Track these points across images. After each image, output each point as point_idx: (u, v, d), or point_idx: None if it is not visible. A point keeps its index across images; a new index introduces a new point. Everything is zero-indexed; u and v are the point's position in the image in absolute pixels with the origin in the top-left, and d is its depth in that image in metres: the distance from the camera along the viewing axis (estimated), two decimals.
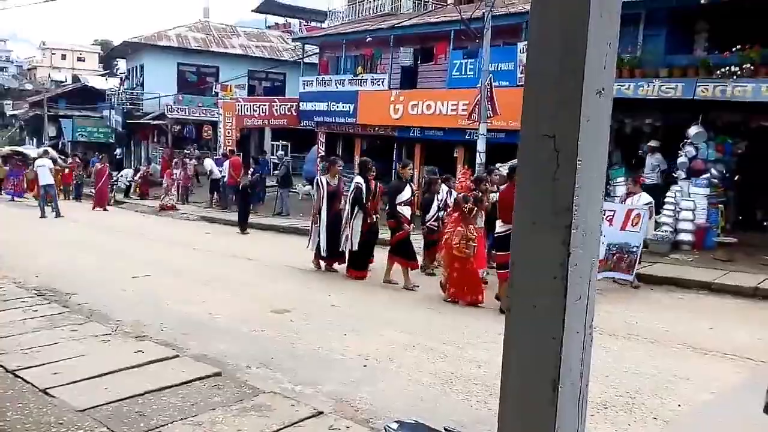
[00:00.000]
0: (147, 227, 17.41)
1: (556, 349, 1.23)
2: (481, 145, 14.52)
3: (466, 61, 17.74)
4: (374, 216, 10.09)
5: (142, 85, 32.56)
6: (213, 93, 29.17)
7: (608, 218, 9.11)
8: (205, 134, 28.22)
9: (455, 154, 18.08)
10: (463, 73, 17.76)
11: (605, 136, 1.31)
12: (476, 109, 14.77)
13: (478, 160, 14.47)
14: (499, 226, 8.00)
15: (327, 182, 10.54)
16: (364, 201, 9.85)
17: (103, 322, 6.98)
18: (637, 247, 9.34)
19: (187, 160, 24.82)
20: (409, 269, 9.53)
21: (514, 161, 7.66)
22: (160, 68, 30.84)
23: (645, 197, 10.16)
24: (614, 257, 9.28)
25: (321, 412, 4.53)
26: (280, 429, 4.21)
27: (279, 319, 7.45)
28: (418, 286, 9.33)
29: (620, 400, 5.11)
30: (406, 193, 9.81)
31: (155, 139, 32.88)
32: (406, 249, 9.61)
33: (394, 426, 2.52)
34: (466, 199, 8.76)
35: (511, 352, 1.31)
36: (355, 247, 9.89)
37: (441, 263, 9.22)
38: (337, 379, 5.44)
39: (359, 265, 10.05)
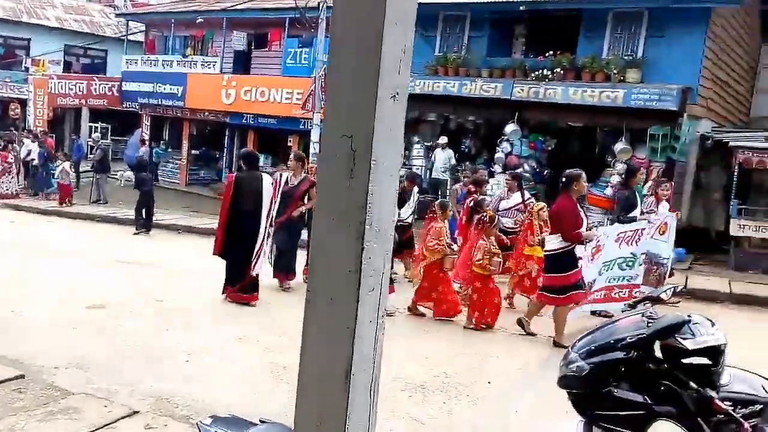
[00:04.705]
0: None
1: (349, 339, 1.29)
2: (315, 135, 14.59)
3: (301, 49, 17.69)
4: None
5: None
6: (23, 68, 26.46)
7: (633, 240, 7.48)
8: (12, 113, 25.42)
9: (289, 143, 18.02)
10: (297, 61, 17.70)
11: (399, 138, 1.40)
12: (310, 99, 14.83)
13: (311, 150, 14.53)
14: (553, 243, 6.74)
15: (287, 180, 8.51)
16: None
17: None
18: (667, 258, 8.57)
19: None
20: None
21: (570, 171, 6.63)
22: None
23: (666, 203, 9.06)
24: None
25: (137, 412, 4.33)
26: None
27: (95, 315, 6.96)
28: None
29: (437, 381, 5.44)
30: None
31: None
32: None
33: (208, 421, 2.48)
34: (477, 205, 8.07)
35: (307, 344, 1.35)
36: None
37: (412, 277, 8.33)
38: (159, 377, 5.21)
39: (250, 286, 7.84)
